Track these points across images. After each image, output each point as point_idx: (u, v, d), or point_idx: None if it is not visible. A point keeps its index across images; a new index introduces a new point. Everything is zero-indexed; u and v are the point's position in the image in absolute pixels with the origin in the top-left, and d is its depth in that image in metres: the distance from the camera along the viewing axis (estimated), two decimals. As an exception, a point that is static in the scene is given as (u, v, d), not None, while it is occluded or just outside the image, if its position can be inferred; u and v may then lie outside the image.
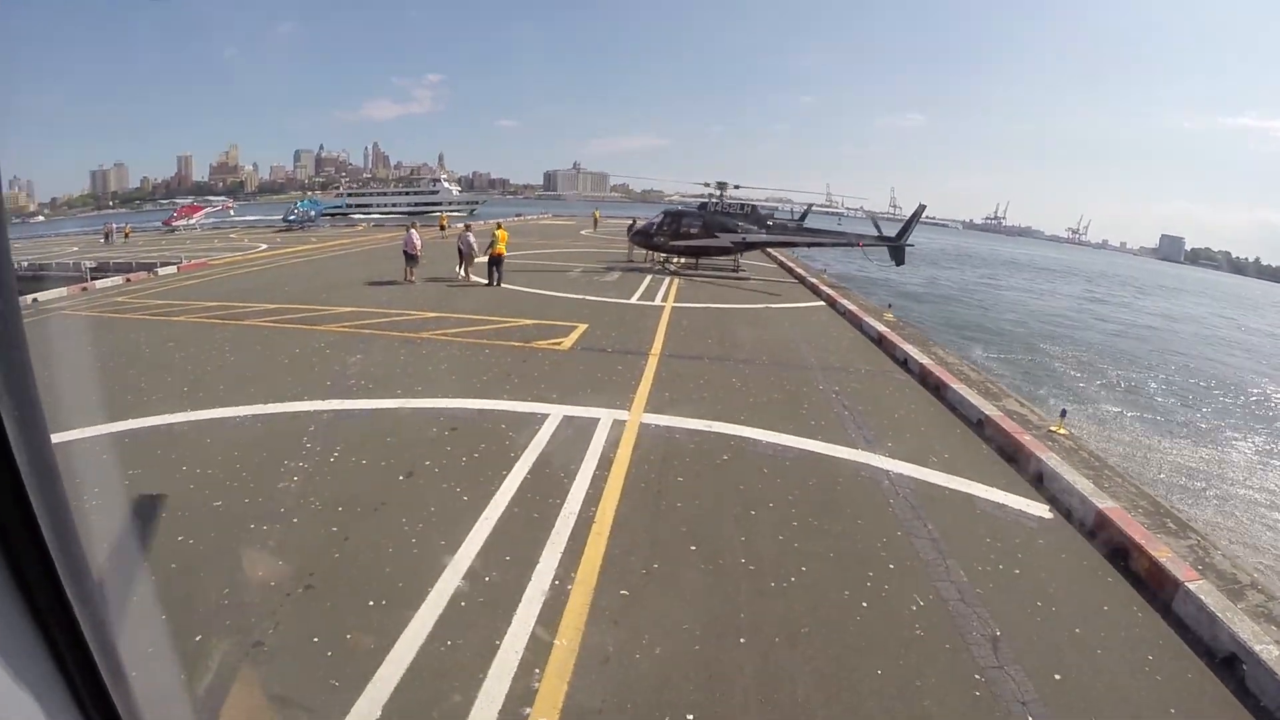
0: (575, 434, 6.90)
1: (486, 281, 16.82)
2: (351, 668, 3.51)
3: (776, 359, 10.75)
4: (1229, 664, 3.90)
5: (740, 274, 22.00)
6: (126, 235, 42.10)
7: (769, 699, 3.50)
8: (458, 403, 7.71)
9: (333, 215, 65.86)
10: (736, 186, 23.49)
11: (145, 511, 5.00)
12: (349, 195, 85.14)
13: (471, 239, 17.80)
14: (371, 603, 4.07)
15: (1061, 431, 7.53)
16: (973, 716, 3.47)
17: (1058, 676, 3.75)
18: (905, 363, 10.60)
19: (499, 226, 17.88)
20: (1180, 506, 8.54)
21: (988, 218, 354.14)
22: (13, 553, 0.85)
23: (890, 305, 16.71)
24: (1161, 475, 12.81)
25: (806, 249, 25.64)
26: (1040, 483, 6.28)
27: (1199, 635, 4.16)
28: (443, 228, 36.87)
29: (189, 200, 67.37)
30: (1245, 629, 3.93)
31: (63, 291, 15.86)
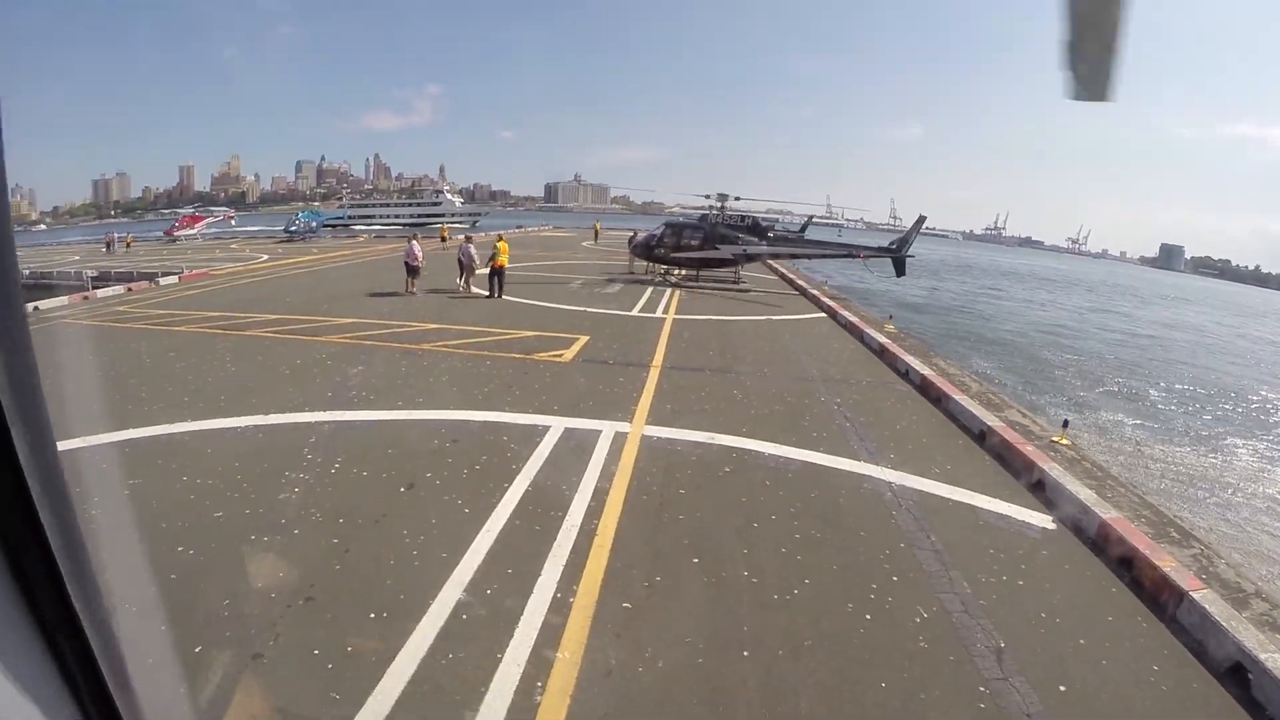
0: (577, 446, 6.89)
1: (487, 293, 16.85)
2: (352, 680, 3.48)
3: (778, 371, 10.76)
4: (1235, 673, 3.88)
5: (741, 286, 22.04)
6: (128, 245, 42.27)
7: (772, 712, 3.47)
8: (459, 414, 7.71)
9: (334, 226, 65.93)
10: (737, 198, 23.57)
11: (145, 521, 4.99)
12: (351, 206, 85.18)
13: (472, 250, 17.84)
14: (372, 615, 4.05)
15: (1064, 442, 7.52)
16: (978, 730, 3.45)
17: (1063, 688, 3.73)
18: (907, 374, 10.60)
19: (500, 238, 17.94)
20: (1184, 516, 8.50)
21: (988, 228, 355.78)
22: (17, 558, 0.85)
23: (891, 316, 16.76)
24: (1165, 485, 12.75)
25: (807, 260, 25.73)
26: (1043, 493, 6.26)
27: (1204, 645, 4.13)
28: (444, 239, 36.97)
29: (191, 210, 67.60)
30: (1250, 638, 3.91)
31: (64, 300, 15.88)
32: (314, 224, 54.56)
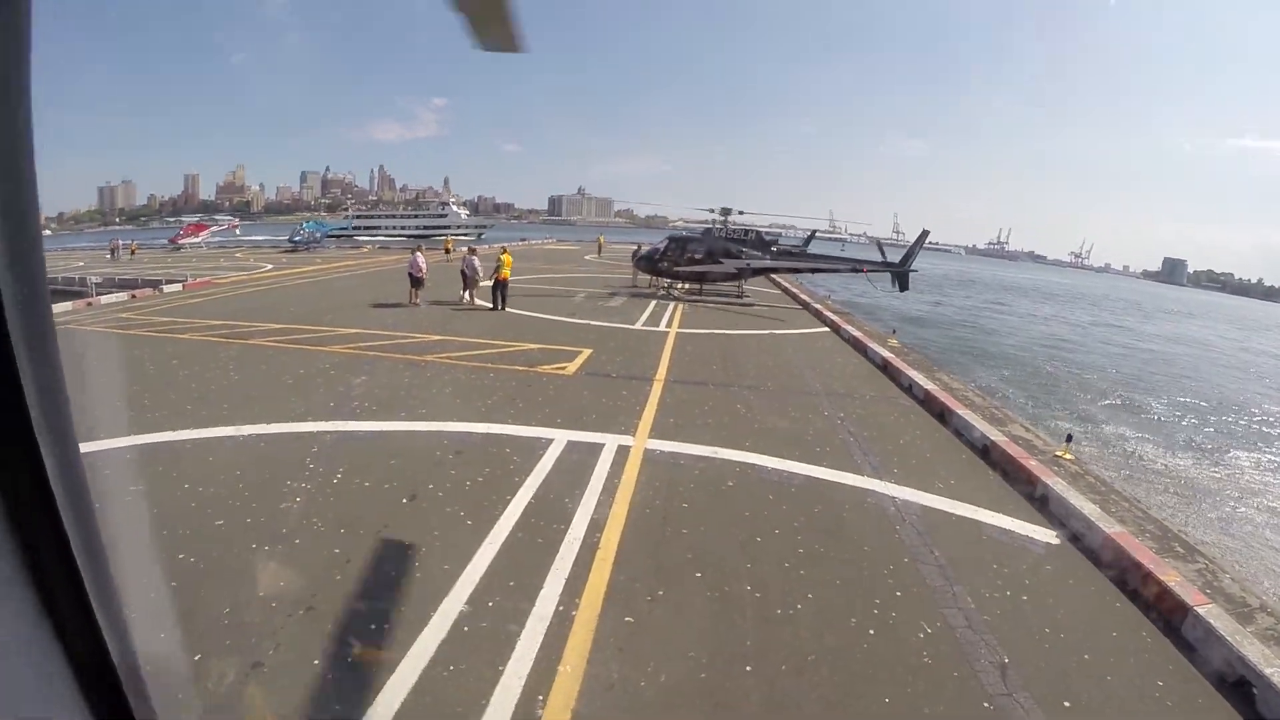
0: (580, 459, 6.89)
1: (491, 305, 16.89)
2: (353, 691, 3.47)
3: (781, 385, 10.75)
4: (1240, 688, 3.85)
5: (744, 300, 22.07)
6: (133, 252, 42.34)
7: (775, 728, 3.45)
8: (462, 426, 7.71)
9: (338, 237, 66.21)
10: (741, 212, 23.67)
11: (146, 528, 4.98)
12: (357, 217, 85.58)
13: (476, 262, 17.89)
14: (373, 626, 4.04)
15: (1067, 456, 7.50)
16: (982, 747, 3.42)
17: (1067, 704, 3.70)
18: (910, 388, 10.59)
19: (504, 251, 18.00)
20: (1188, 530, 8.46)
21: (991, 242, 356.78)
22: (39, 560, 0.85)
23: (894, 331, 16.76)
24: (1169, 499, 12.70)
25: (810, 275, 25.77)
26: (1047, 508, 6.25)
27: (1209, 660, 4.11)
28: (448, 251, 37.11)
29: (195, 219, 67.59)
30: (1255, 652, 3.90)
31: (67, 306, 15.91)
32: (318, 234, 54.68)
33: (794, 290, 25.30)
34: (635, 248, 26.11)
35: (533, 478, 6.35)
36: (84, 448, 6.22)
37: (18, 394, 0.79)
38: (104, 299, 17.59)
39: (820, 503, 6.19)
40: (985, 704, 3.67)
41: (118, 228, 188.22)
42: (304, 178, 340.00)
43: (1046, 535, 5.78)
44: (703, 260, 22.22)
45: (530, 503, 5.81)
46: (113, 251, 40.78)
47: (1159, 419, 20.67)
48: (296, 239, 50.90)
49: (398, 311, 16.22)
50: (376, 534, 5.14)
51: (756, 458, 7.17)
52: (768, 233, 25.13)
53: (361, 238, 69.43)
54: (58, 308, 15.14)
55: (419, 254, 17.69)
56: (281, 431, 7.33)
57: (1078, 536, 5.69)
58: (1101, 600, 4.85)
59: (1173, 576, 4.73)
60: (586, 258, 40.77)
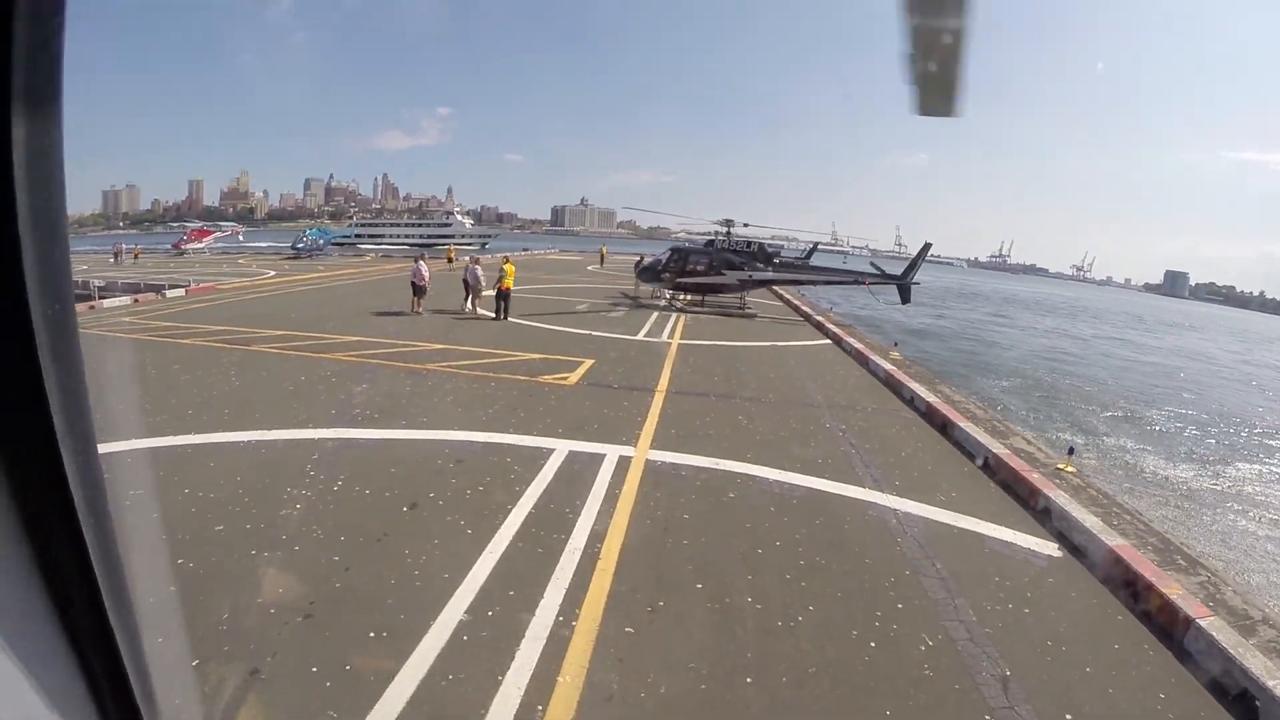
0: (581, 469, 6.88)
1: (493, 315, 16.92)
2: (350, 699, 3.45)
3: (783, 397, 10.75)
4: (1242, 701, 3.83)
5: (746, 311, 22.10)
6: (136, 256, 42.53)
7: (776, 740, 3.43)
8: (463, 435, 7.70)
9: (341, 245, 66.41)
10: (744, 224, 23.73)
11: (145, 533, 4.97)
12: (361, 225, 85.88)
13: (479, 272, 17.95)
14: (372, 634, 4.02)
15: (1069, 469, 7.48)
16: (984, 762, 3.40)
17: (1069, 716, 3.68)
18: (912, 401, 10.58)
19: (506, 261, 18.06)
20: (1190, 542, 8.43)
21: (993, 255, 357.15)
22: (54, 558, 0.86)
23: (896, 343, 16.74)
24: (1171, 511, 12.67)
25: (812, 287, 25.80)
26: (1048, 521, 6.23)
27: (1212, 672, 4.09)
28: (450, 260, 37.22)
29: (199, 224, 67.91)
30: (1258, 665, 3.88)
31: None
32: (321, 241, 54.90)
33: (796, 302, 25.32)
34: (638, 259, 26.16)
35: (534, 487, 6.33)
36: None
37: (41, 397, 0.80)
38: (107, 303, 17.66)
39: (822, 515, 6.17)
40: (987, 717, 3.65)
41: (121, 232, 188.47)
42: (308, 185, 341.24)
43: (1048, 548, 5.76)
44: (705, 272, 22.27)
45: (531, 512, 5.80)
46: (116, 255, 40.94)
47: (1161, 431, 20.64)
48: (299, 246, 51.12)
49: (400, 320, 16.26)
50: (376, 542, 5.13)
51: (758, 469, 7.15)
52: (770, 245, 25.23)
53: (364, 246, 69.63)
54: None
55: (422, 262, 17.75)
56: (282, 438, 7.32)
57: (1080, 549, 5.67)
58: (1104, 613, 4.83)
59: (1175, 589, 4.71)
60: (589, 268, 40.88)
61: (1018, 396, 23.30)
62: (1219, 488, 15.21)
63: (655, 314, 19.88)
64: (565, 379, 10.80)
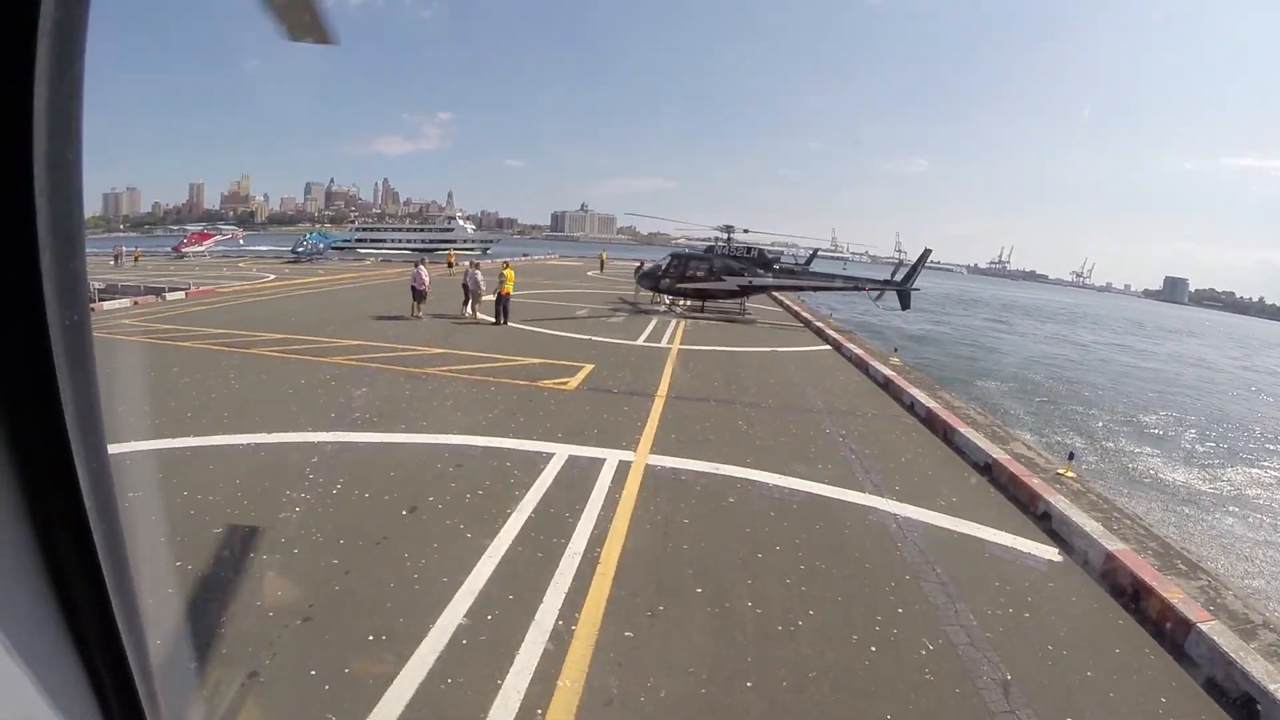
0: (581, 474, 6.87)
1: (493, 320, 16.92)
2: (349, 702, 3.44)
3: (783, 402, 10.74)
4: (1244, 705, 3.83)
5: (747, 317, 22.12)
6: (136, 259, 42.62)
7: (776, 745, 3.41)
8: (463, 439, 7.69)
9: (341, 249, 66.45)
10: (744, 230, 23.79)
11: (144, 535, 4.96)
12: (363, 230, 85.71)
13: (479, 276, 17.95)
14: (371, 637, 4.01)
15: (1069, 474, 7.47)
16: (985, 767, 3.38)
17: (1071, 723, 3.67)
18: (912, 406, 10.58)
19: (506, 266, 18.06)
20: (1190, 547, 8.41)
21: (992, 261, 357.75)
22: (62, 559, 0.86)
23: (896, 349, 16.75)
24: (1171, 516, 12.66)
25: (812, 293, 25.84)
26: (1049, 525, 6.22)
27: (1213, 676, 4.09)
28: (450, 265, 37.27)
29: (199, 227, 68.06)
30: (1259, 669, 3.88)
31: None
32: (321, 245, 54.99)
33: (796, 308, 25.34)
34: (638, 264, 26.20)
35: (533, 491, 6.33)
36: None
37: (55, 403, 0.81)
38: (106, 305, 17.64)
39: (822, 519, 6.16)
40: (988, 722, 3.64)
41: (122, 234, 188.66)
42: (308, 189, 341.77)
43: (1049, 552, 5.75)
44: (705, 278, 22.31)
45: (531, 516, 5.79)
46: (116, 258, 41.02)
47: (1161, 436, 20.63)
48: (299, 250, 51.18)
49: (400, 324, 16.26)
50: (376, 545, 5.12)
51: (758, 474, 7.15)
52: (770, 250, 25.26)
53: (365, 250, 69.63)
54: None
55: (422, 267, 17.78)
56: (282, 441, 7.32)
57: (1080, 554, 5.66)
58: (1104, 617, 4.82)
59: (1175, 593, 4.71)
60: (589, 274, 40.92)
61: (1018, 402, 23.30)
62: (1219, 492, 15.21)
63: (655, 319, 19.89)
64: (565, 384, 10.80)
